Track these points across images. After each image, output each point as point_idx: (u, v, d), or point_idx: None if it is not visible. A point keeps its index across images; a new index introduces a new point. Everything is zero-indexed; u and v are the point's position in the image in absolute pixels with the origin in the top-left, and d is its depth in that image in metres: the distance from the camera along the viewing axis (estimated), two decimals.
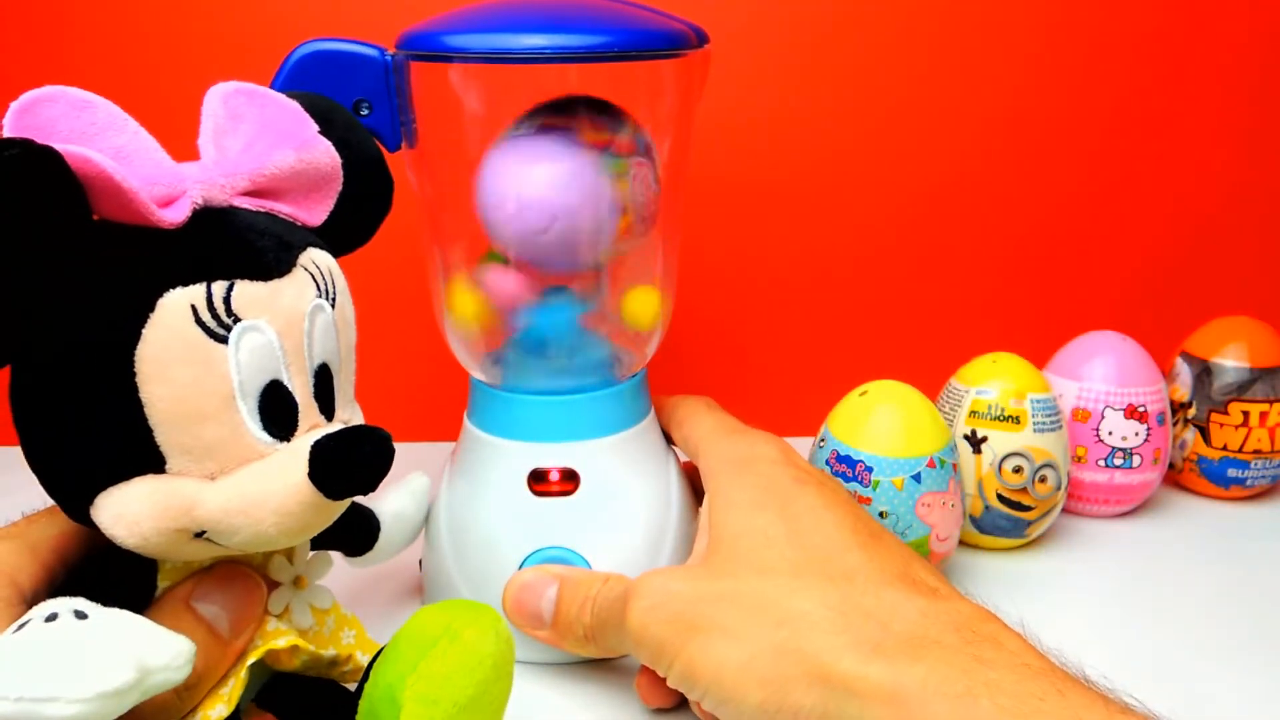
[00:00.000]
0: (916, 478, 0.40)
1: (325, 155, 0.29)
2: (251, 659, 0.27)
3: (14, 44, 0.54)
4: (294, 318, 0.26)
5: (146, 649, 0.22)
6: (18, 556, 0.25)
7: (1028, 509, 0.45)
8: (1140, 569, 0.46)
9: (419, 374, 0.57)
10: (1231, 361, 0.51)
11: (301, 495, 0.24)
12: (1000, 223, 0.60)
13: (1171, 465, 0.53)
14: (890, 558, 0.31)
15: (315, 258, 0.27)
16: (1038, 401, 0.45)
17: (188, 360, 0.24)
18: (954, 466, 0.42)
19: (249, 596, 0.28)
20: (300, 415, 0.26)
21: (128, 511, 0.24)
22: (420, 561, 0.42)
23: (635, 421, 0.40)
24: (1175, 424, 0.52)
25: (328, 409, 0.27)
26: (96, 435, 0.24)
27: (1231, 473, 0.51)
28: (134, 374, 0.23)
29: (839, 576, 0.30)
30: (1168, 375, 0.53)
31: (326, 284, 0.27)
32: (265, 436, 0.25)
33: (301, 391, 0.26)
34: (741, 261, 0.59)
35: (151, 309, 0.23)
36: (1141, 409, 0.49)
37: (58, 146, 0.21)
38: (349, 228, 0.31)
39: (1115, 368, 0.49)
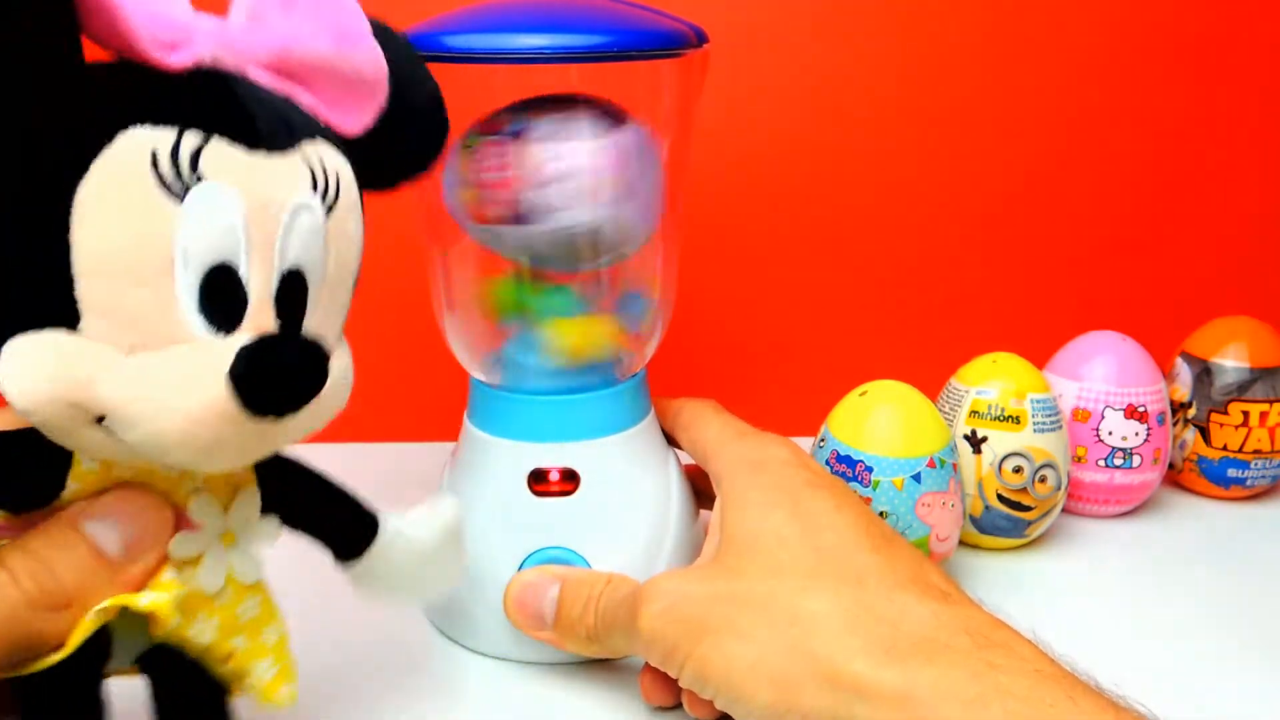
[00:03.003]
0: (916, 478, 0.40)
1: (369, 60, 0.26)
2: (99, 607, 0.24)
3: None
4: (271, 203, 0.23)
5: None
6: None
7: (1028, 509, 0.45)
8: (1140, 569, 0.46)
9: (419, 374, 0.57)
10: (1231, 361, 0.51)
11: (215, 398, 0.21)
12: (1000, 223, 0.60)
13: (1171, 465, 0.53)
14: (902, 561, 0.31)
15: (323, 152, 0.24)
16: (1038, 401, 0.45)
17: (131, 208, 0.21)
18: (954, 466, 0.42)
19: (150, 522, 0.25)
20: (249, 313, 0.22)
21: (24, 368, 0.21)
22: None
23: (635, 421, 0.40)
24: (1175, 424, 0.52)
25: (292, 322, 0.24)
26: (10, 272, 0.21)
27: (1231, 473, 0.51)
28: (69, 211, 0.20)
29: (851, 578, 0.30)
30: (1168, 375, 0.53)
31: (327, 184, 0.24)
32: (198, 321, 0.22)
33: (259, 288, 0.23)
34: (741, 262, 0.59)
35: (107, 141, 0.20)
36: (1141, 409, 0.49)
37: None
38: (383, 161, 0.28)
39: (1115, 368, 0.49)
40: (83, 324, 0.21)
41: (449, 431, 0.43)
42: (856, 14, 0.56)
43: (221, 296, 0.22)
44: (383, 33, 0.27)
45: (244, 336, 0.22)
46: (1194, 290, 0.61)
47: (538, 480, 0.39)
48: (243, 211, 0.22)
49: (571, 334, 0.40)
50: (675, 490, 0.41)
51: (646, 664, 0.34)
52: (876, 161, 0.58)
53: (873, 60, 0.57)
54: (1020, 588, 0.44)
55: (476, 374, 0.41)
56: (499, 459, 0.39)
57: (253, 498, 0.27)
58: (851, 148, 0.58)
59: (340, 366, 0.25)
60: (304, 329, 0.24)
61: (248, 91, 0.23)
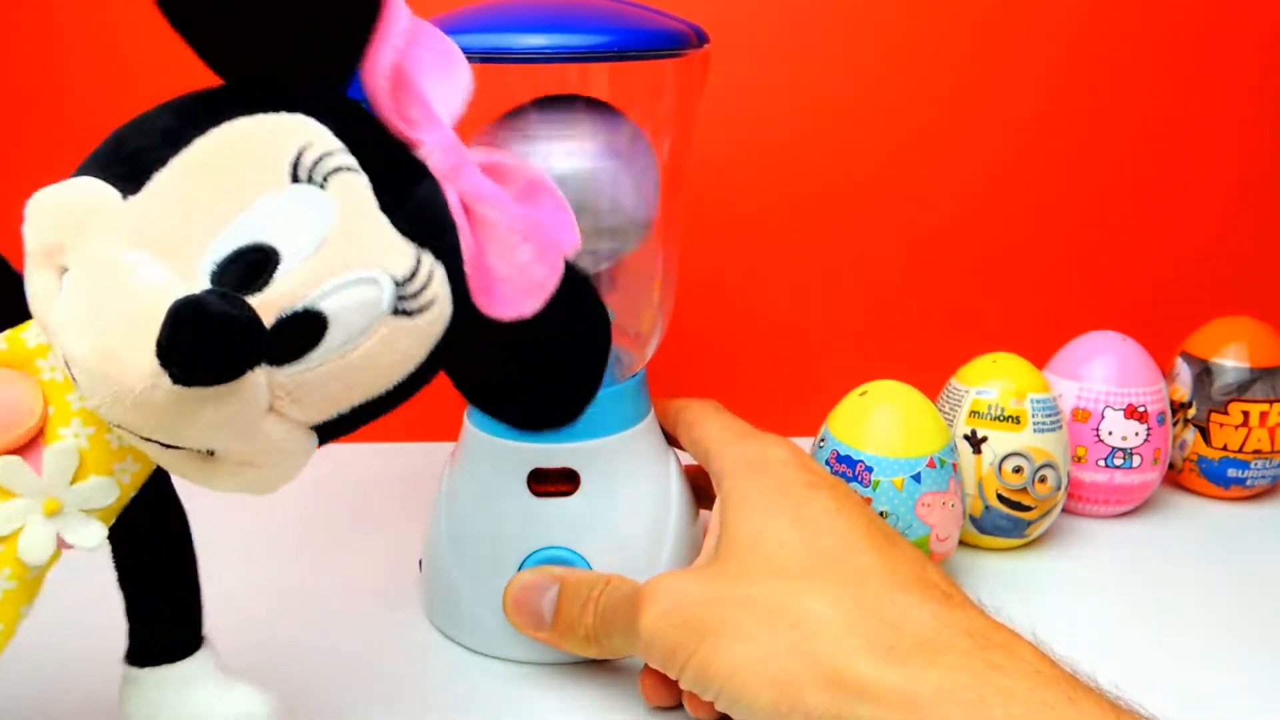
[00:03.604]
0: (916, 478, 0.40)
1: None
2: None
3: (13, 45, 0.54)
4: None
5: None
6: None
7: (1028, 509, 0.45)
8: (1140, 569, 0.46)
9: None
10: (1231, 361, 0.51)
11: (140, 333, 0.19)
12: (1000, 223, 0.60)
13: (1171, 465, 0.53)
14: (904, 562, 0.31)
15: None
16: (1038, 401, 0.45)
17: None
18: (954, 466, 0.42)
19: (17, 393, 0.23)
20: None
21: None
22: (420, 562, 0.42)
23: (635, 421, 0.40)
24: (1175, 424, 0.52)
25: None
26: None
27: (1231, 473, 0.51)
28: None
29: (852, 579, 0.30)
30: (1168, 375, 0.53)
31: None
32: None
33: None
34: (741, 262, 0.59)
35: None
36: (1141, 409, 0.49)
37: None
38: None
39: (1115, 368, 0.49)
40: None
41: (449, 431, 0.43)
42: (857, 14, 0.56)
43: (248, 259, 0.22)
44: None
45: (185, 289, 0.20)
46: (1194, 290, 0.61)
47: (538, 480, 0.38)
48: None
49: None
50: (675, 490, 0.41)
51: (647, 664, 0.34)
52: (877, 161, 0.58)
53: (872, 60, 0.57)
54: (1020, 588, 0.44)
55: None
56: (499, 459, 0.39)
57: (110, 491, 0.24)
58: (852, 148, 0.58)
59: (290, 436, 0.23)
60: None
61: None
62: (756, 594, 0.30)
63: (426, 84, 0.25)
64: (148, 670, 0.27)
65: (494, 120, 0.37)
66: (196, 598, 0.28)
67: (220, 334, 0.19)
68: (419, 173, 0.24)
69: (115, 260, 0.21)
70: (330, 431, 0.24)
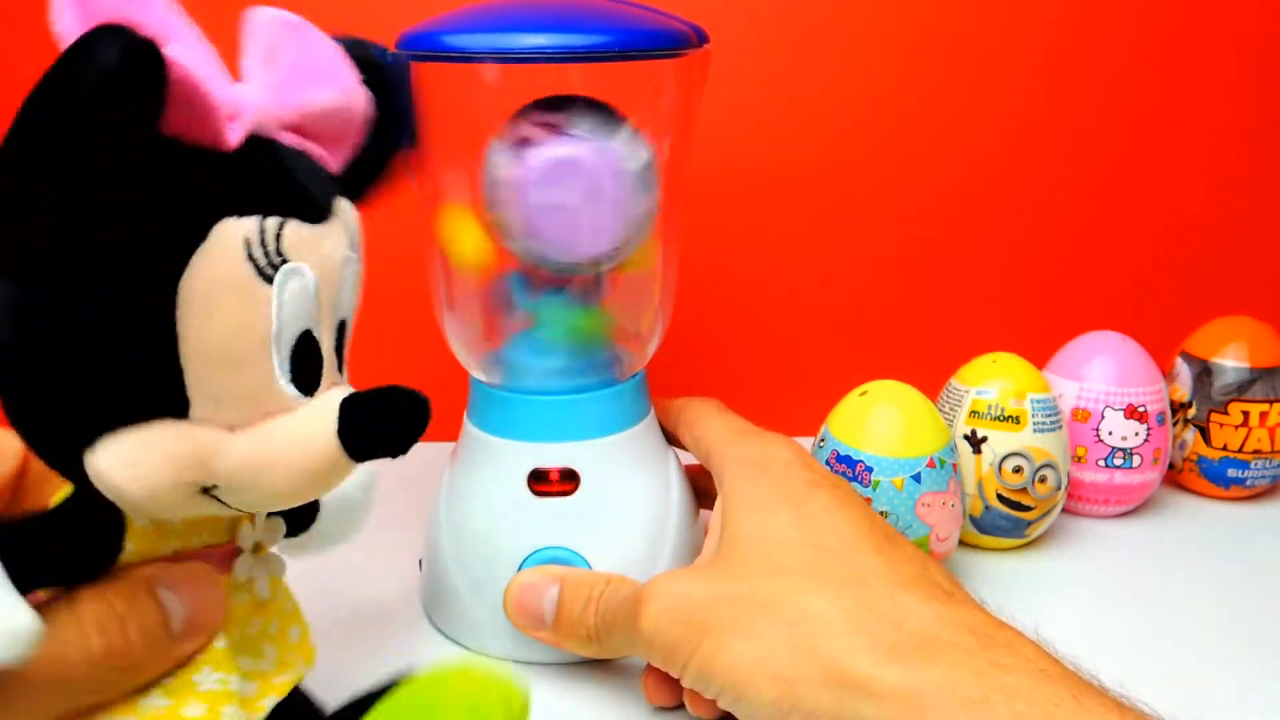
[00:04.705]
0: (916, 478, 0.40)
1: (361, 103, 0.27)
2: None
3: (12, 45, 0.54)
4: (331, 267, 0.24)
5: None
6: None
7: (1028, 509, 0.45)
8: (1140, 569, 0.46)
9: (419, 374, 0.56)
10: (1231, 361, 0.51)
11: (327, 454, 0.23)
12: (1000, 223, 0.60)
13: (1171, 465, 0.53)
14: (905, 561, 0.31)
15: (344, 207, 0.26)
16: (1038, 401, 0.45)
17: (233, 297, 0.22)
18: (954, 466, 0.42)
19: (212, 605, 0.25)
20: (324, 371, 0.24)
21: (142, 458, 0.21)
22: (420, 562, 0.42)
23: (635, 421, 0.40)
24: (1175, 424, 0.52)
25: (339, 368, 0.26)
26: (121, 369, 0.21)
27: (1231, 473, 0.51)
28: (175, 304, 0.21)
29: (853, 578, 0.30)
30: (1168, 375, 0.53)
31: (353, 235, 0.26)
32: (291, 390, 0.23)
33: (326, 346, 0.24)
34: (741, 262, 0.59)
35: (204, 236, 0.21)
36: (1141, 409, 0.49)
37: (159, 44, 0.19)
38: (358, 179, 0.29)
39: (1115, 368, 0.49)
40: (193, 410, 0.22)
41: (449, 431, 0.43)
42: (858, 14, 0.56)
43: (306, 362, 0.24)
44: (360, 60, 0.28)
45: (334, 396, 0.24)
46: (1194, 290, 0.61)
47: (538, 480, 0.38)
48: (315, 280, 0.23)
49: (570, 332, 0.40)
50: (675, 490, 0.41)
51: (649, 664, 0.34)
52: (876, 161, 0.58)
53: (872, 60, 0.57)
54: (1020, 588, 0.44)
55: (476, 374, 0.41)
56: (499, 459, 0.39)
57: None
58: (851, 147, 0.58)
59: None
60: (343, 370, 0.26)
61: (294, 161, 0.24)
62: (758, 593, 0.30)
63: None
64: (311, 528, 0.32)
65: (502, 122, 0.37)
66: None
67: (413, 415, 0.24)
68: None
69: (245, 439, 0.23)
70: None
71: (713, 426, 0.40)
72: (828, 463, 0.42)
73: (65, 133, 0.18)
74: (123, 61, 0.18)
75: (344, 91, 0.26)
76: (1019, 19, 0.57)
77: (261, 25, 0.25)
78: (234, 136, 0.22)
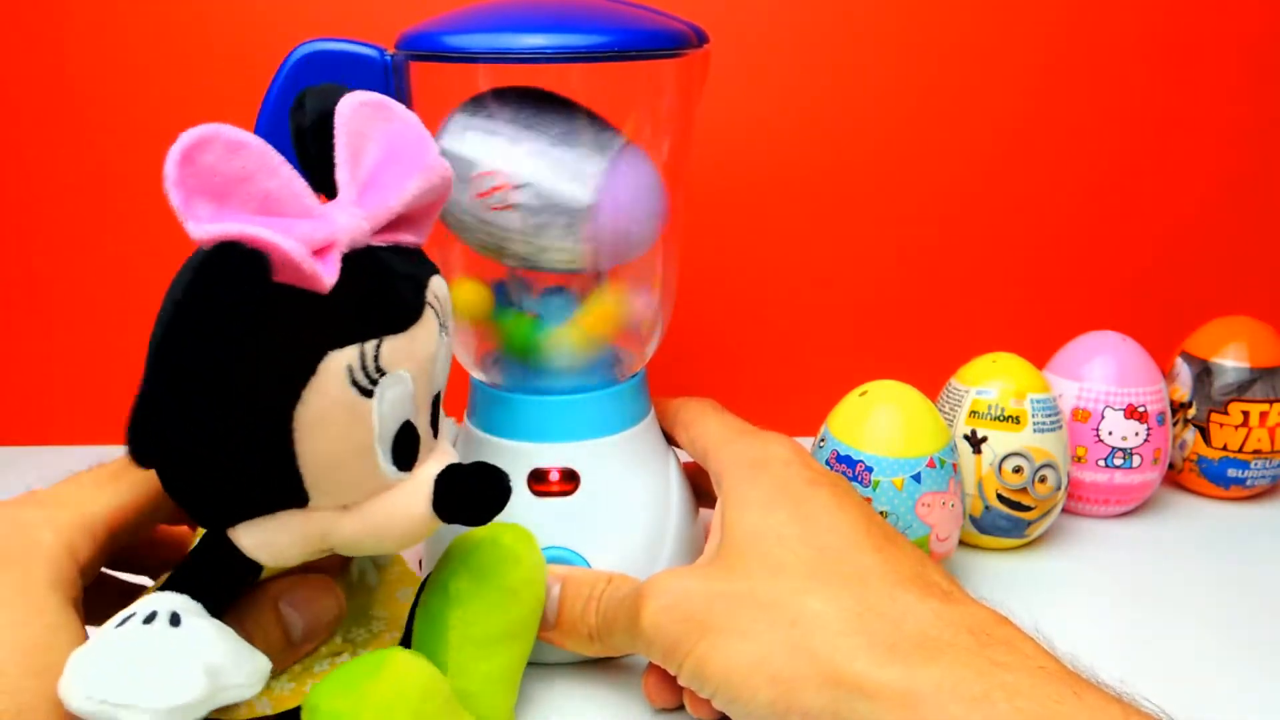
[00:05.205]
0: (916, 478, 0.40)
1: (443, 174, 0.29)
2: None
3: (13, 45, 0.54)
4: (425, 359, 0.27)
5: (226, 665, 0.24)
6: (75, 531, 0.27)
7: (1028, 509, 0.45)
8: (1140, 569, 0.46)
9: None
10: (1231, 361, 0.51)
11: (424, 523, 0.27)
12: (1000, 223, 0.60)
13: (1171, 465, 0.53)
14: (903, 560, 0.31)
15: (435, 288, 0.28)
16: (1038, 401, 0.45)
17: (340, 416, 0.25)
18: (954, 466, 0.42)
19: (327, 613, 0.30)
20: (421, 446, 0.28)
21: (274, 541, 0.27)
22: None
23: (635, 421, 0.40)
24: (1175, 424, 0.52)
25: (435, 427, 0.29)
26: (250, 481, 0.25)
27: (1231, 473, 0.51)
28: (292, 431, 0.25)
29: (852, 578, 0.30)
30: (1168, 375, 0.53)
31: (443, 313, 0.28)
32: (393, 470, 0.27)
33: (423, 425, 0.28)
34: (741, 262, 0.59)
35: (313, 372, 0.24)
36: (1141, 409, 0.49)
37: (255, 236, 0.22)
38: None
39: (1115, 368, 0.49)
40: (311, 502, 0.26)
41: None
42: (858, 14, 0.56)
43: (406, 447, 0.27)
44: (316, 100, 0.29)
45: (428, 471, 0.28)
46: (1194, 290, 0.61)
47: (538, 480, 0.38)
48: (411, 378, 0.27)
49: (570, 332, 0.40)
50: (675, 490, 0.41)
51: (651, 665, 0.35)
52: (876, 161, 0.58)
53: (872, 60, 0.57)
54: (1020, 587, 0.44)
55: (476, 374, 0.41)
56: (499, 459, 0.39)
57: None
58: (851, 147, 0.58)
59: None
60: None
61: (386, 269, 0.27)
62: (756, 592, 0.30)
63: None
64: None
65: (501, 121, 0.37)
66: None
67: (495, 493, 0.29)
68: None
69: (356, 517, 0.27)
70: None
71: (710, 426, 0.40)
72: (828, 463, 0.42)
73: (212, 331, 0.22)
74: (239, 278, 0.22)
75: (428, 171, 0.28)
76: (1018, 19, 0.57)
77: (349, 111, 0.27)
78: (331, 271, 0.25)
